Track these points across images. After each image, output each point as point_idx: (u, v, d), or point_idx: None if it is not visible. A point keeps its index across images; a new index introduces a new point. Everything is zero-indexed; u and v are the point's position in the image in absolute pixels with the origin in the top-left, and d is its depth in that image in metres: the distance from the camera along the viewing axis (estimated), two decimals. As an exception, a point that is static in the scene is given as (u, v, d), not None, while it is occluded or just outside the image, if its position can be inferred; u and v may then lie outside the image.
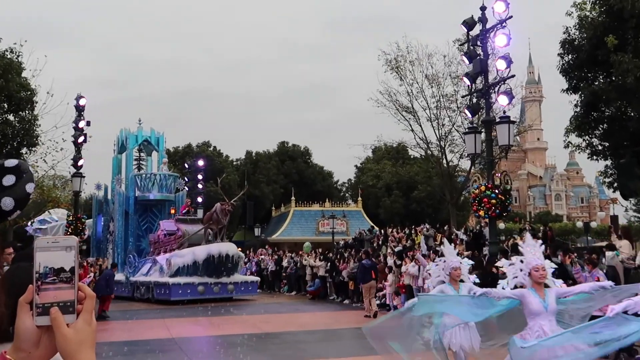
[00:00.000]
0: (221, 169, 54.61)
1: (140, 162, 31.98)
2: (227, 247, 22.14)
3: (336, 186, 71.71)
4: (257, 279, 25.10)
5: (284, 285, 29.43)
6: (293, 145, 67.66)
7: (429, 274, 7.63)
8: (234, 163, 62.61)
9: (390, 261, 20.79)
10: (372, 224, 46.50)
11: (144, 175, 29.05)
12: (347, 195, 71.44)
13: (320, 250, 29.77)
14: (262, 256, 33.57)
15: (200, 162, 34.07)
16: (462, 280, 7.53)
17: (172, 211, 28.06)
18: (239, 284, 22.84)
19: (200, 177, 33.27)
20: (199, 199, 31.09)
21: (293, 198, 54.34)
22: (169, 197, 28.62)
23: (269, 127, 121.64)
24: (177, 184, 29.51)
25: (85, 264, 19.49)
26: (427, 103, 37.37)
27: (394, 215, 54.79)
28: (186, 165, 36.25)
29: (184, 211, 26.35)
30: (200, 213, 28.00)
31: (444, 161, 38.48)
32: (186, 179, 31.82)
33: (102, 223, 30.13)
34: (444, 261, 7.62)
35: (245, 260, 28.63)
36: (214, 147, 61.42)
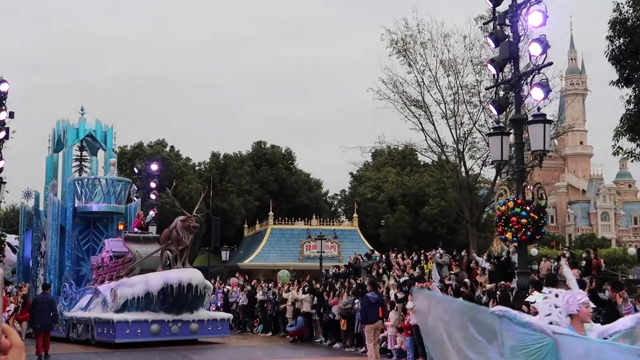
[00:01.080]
0: (180, 175, 55.00)
1: (83, 163, 32.26)
2: (190, 275, 22.16)
3: (326, 199, 72.45)
4: (229, 315, 25.15)
5: (258, 324, 29.52)
6: (272, 147, 68.38)
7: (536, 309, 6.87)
8: (197, 168, 63.24)
9: (392, 294, 20.93)
10: (371, 247, 46.64)
11: (86, 180, 29.18)
12: (339, 210, 72.18)
13: (304, 279, 29.90)
14: (231, 286, 33.81)
15: (154, 167, 34.20)
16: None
17: (121, 227, 28.34)
18: (205, 323, 22.89)
19: (153, 185, 33.27)
20: (151, 213, 31.04)
21: (271, 213, 54.92)
22: (117, 208, 28.83)
23: (242, 124, 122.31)
24: (129, 191, 29.88)
25: (3, 293, 19.65)
26: (442, 96, 37.88)
27: (398, 237, 55.37)
28: (135, 170, 36.36)
29: (135, 227, 26.32)
30: (154, 230, 28.13)
31: (462, 169, 38.90)
32: (136, 188, 31.90)
33: (32, 241, 30.30)
34: (565, 295, 6.47)
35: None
36: (171, 147, 61.98)
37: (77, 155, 32.07)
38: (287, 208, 61.66)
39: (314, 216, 56.21)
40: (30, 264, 30.11)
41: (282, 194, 63.94)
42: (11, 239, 35.37)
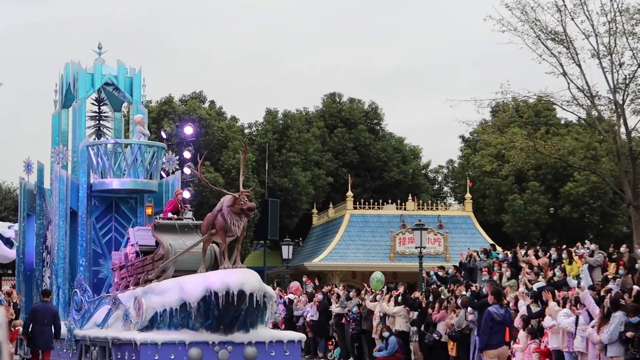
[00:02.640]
0: (224, 142, 55.52)
1: (101, 122, 31.97)
2: (244, 278, 20.21)
3: (426, 173, 72.07)
4: (300, 336, 23.45)
5: (334, 347, 29.58)
6: (350, 102, 67.47)
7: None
8: (247, 131, 62.75)
9: (522, 306, 20.88)
10: (491, 241, 46.35)
11: (104, 146, 28.65)
12: (445, 189, 72.36)
13: (397, 285, 29.85)
14: (295, 295, 33.93)
15: (188, 130, 34.07)
16: None
17: (149, 210, 27.93)
18: (267, 346, 21.45)
19: (187, 154, 33.27)
20: (186, 193, 30.73)
21: (350, 193, 54.40)
22: (148, 185, 28.31)
23: (308, 72, 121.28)
24: (165, 161, 29.58)
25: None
26: (593, 25, 37.29)
27: (529, 226, 54.82)
28: (163, 135, 35.40)
29: (169, 211, 25.28)
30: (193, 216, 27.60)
31: (622, 129, 38.20)
32: (174, 156, 31.35)
33: (35, 231, 30.39)
34: None
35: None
36: (211, 102, 61.27)
37: (94, 112, 31.73)
38: (373, 186, 61.58)
39: (409, 197, 55.80)
40: (35, 263, 30.13)
41: (365, 167, 63.65)
42: (3, 228, 36.27)
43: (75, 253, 28.19)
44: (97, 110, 31.76)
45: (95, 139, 30.73)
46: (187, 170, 32.88)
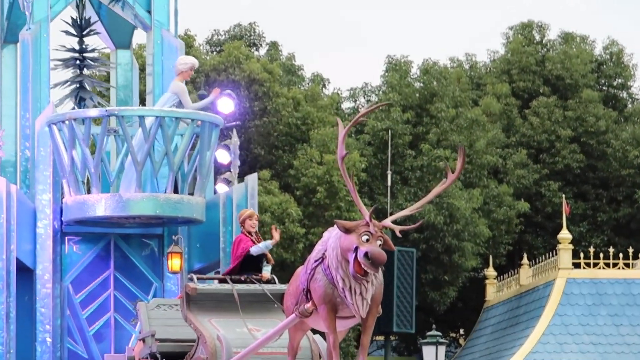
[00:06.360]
0: (300, 131, 39.74)
1: (85, 72, 23.23)
2: None
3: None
4: None
5: None
6: (564, 39, 47.49)
7: None
8: (347, 107, 46.45)
9: None
10: None
11: (88, 122, 20.41)
12: None
13: None
14: None
15: (225, 104, 23.59)
16: None
17: (174, 262, 20.76)
18: None
19: (224, 155, 23.86)
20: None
21: (566, 234, 35.18)
22: (181, 207, 20.81)
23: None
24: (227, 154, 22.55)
25: None
26: None
27: None
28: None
29: (238, 258, 17.74)
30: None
31: None
32: (236, 141, 23.53)
33: None
34: None
35: None
36: (272, 46, 45.41)
37: (71, 50, 22.86)
38: (613, 219, 43.34)
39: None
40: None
41: (598, 180, 43.90)
42: None
43: (26, 357, 21.25)
44: (80, 48, 23.02)
45: (74, 107, 22.62)
46: (221, 187, 23.73)
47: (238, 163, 22.46)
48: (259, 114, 38.70)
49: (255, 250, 16.04)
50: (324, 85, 45.64)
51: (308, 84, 44.98)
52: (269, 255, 17.03)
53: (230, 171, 22.50)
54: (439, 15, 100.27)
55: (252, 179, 21.25)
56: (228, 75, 38.71)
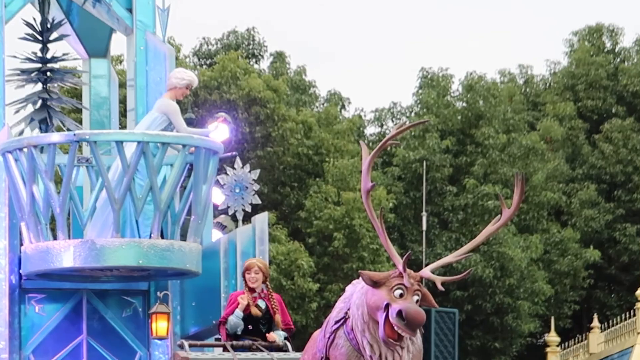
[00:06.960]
0: (312, 162, 37.71)
1: (51, 85, 21.51)
2: None
3: None
4: None
5: None
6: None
7: None
8: (371, 133, 43.91)
9: None
10: None
11: (52, 149, 18.86)
12: None
13: None
14: None
15: (220, 130, 21.75)
16: None
17: (159, 325, 19.06)
18: None
19: (218, 195, 22.14)
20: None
21: None
22: (168, 258, 19.05)
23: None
24: (227, 190, 20.23)
25: None
26: None
27: None
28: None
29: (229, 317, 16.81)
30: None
31: None
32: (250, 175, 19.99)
33: None
34: None
35: None
36: (277, 57, 42.66)
37: (31, 59, 20.86)
38: None
39: None
40: None
41: None
42: None
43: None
44: (41, 56, 21.26)
45: (37, 131, 21.22)
46: (215, 234, 21.53)
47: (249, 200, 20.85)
48: (261, 141, 36.66)
49: (231, 324, 15.08)
50: (342, 106, 43.36)
51: (322, 104, 43.05)
52: (278, 319, 15.65)
53: (225, 214, 21.10)
54: (485, 19, 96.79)
55: (261, 219, 19.77)
56: (222, 94, 37.40)
